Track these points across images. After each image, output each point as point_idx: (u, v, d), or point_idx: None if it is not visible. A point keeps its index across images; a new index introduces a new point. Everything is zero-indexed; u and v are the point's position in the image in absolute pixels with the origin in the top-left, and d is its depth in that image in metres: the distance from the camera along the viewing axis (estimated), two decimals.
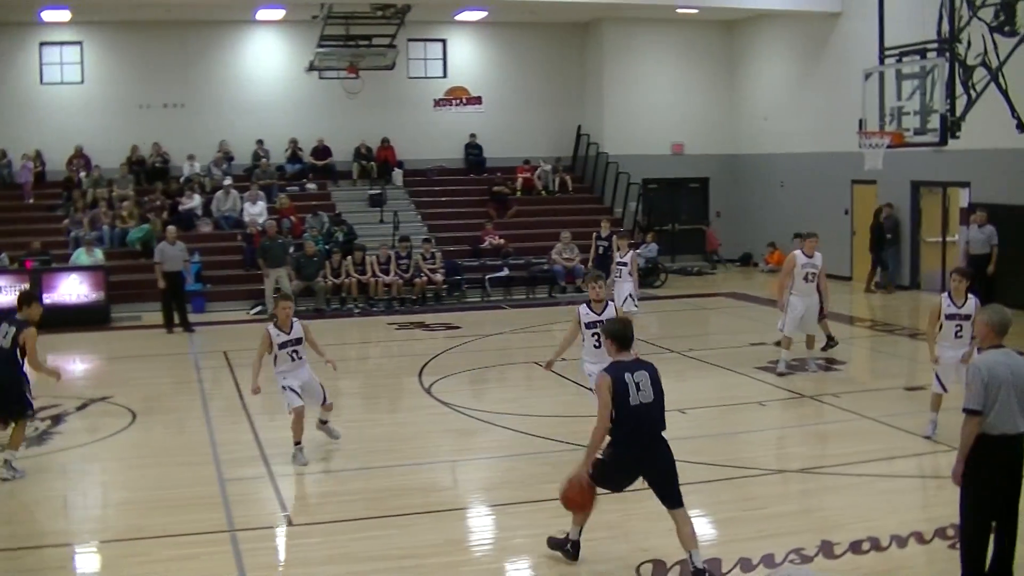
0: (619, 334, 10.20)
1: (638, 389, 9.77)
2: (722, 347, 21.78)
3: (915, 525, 11.12)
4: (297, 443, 14.34)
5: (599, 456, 9.99)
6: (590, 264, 27.52)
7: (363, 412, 17.91)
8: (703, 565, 9.81)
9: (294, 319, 14.67)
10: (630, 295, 22.28)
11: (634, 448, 9.88)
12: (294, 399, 14.39)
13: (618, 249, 23.11)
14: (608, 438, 9.89)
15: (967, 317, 14.06)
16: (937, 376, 14.43)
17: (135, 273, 28.40)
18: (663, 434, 10.00)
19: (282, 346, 14.44)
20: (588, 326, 14.08)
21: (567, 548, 10.41)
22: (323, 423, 15.12)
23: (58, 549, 11.24)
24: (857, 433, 15.27)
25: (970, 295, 14.22)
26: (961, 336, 14.20)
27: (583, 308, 14.21)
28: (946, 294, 14.44)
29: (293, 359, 14.54)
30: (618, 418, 9.76)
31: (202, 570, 10.52)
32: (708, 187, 38.97)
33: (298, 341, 14.56)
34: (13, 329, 14.17)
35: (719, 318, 26.50)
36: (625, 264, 22.66)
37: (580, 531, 10.40)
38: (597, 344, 13.74)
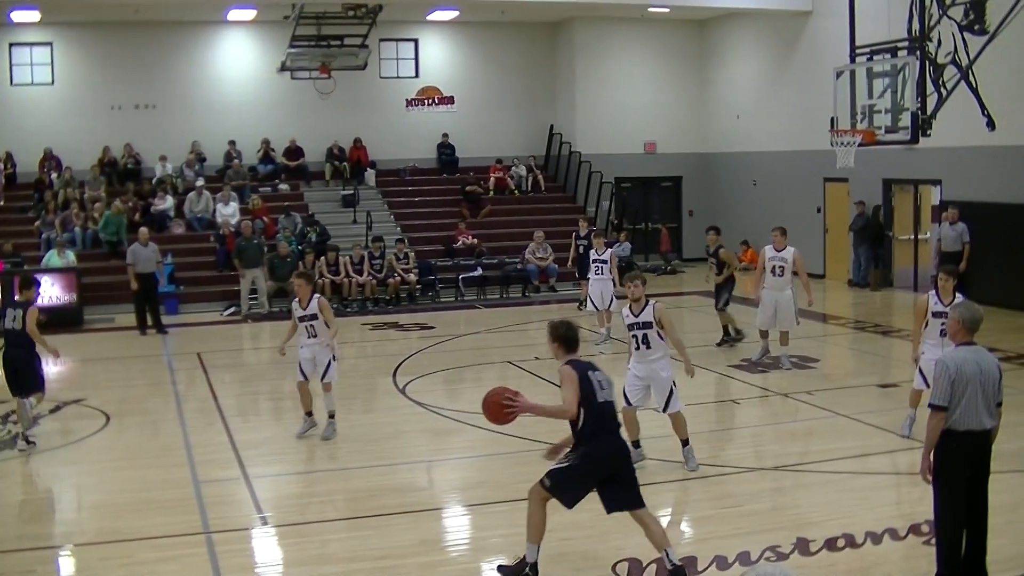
0: (564, 336, 10.12)
1: (601, 387, 9.80)
2: (696, 345, 21.70)
3: (890, 522, 11.16)
4: (307, 413, 15.62)
5: (566, 463, 9.87)
6: (569, 263, 27.58)
7: (338, 413, 17.83)
8: (679, 562, 9.82)
9: (316, 296, 15.63)
10: (613, 296, 22.43)
11: (606, 442, 9.84)
12: (298, 373, 15.69)
13: (596, 248, 23.22)
14: (575, 441, 9.86)
15: None
16: (920, 371, 14.25)
17: (107, 275, 28.32)
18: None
19: (300, 320, 15.58)
20: (628, 328, 13.66)
21: (526, 573, 9.94)
22: (329, 416, 15.61)
23: (34, 552, 11.18)
24: (831, 430, 15.32)
25: (957, 293, 14.14)
26: (947, 334, 14.15)
27: (624, 310, 13.90)
28: (933, 292, 14.37)
29: (308, 334, 15.53)
30: (587, 415, 9.70)
31: (179, 572, 10.50)
32: (681, 186, 39.07)
33: (313, 317, 15.43)
34: (20, 311, 15.48)
35: (692, 317, 26.52)
36: (605, 261, 22.75)
37: (538, 551, 9.99)
38: (637, 346, 13.57)
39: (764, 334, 20.15)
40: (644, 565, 10.23)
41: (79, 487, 14.01)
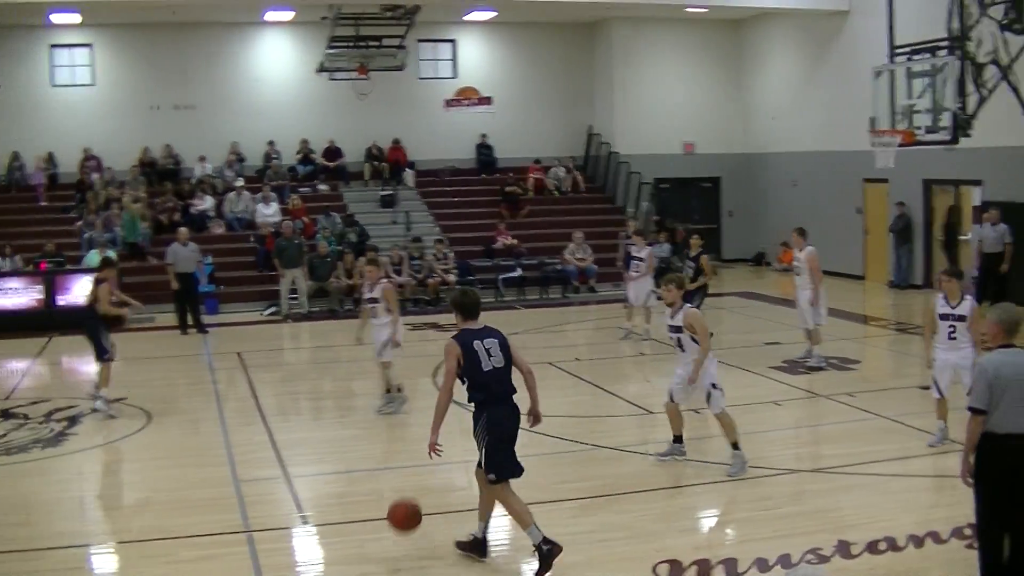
0: (458, 303, 10.49)
1: (489, 355, 10.12)
2: (736, 346, 21.73)
3: (932, 525, 11.08)
4: (387, 391, 17.10)
5: (482, 448, 10.28)
6: (619, 263, 27.49)
7: (377, 413, 17.90)
8: (485, 535, 10.57)
9: (381, 281, 17.01)
10: (650, 293, 22.46)
11: (501, 404, 10.25)
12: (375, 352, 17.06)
13: (636, 246, 23.26)
14: (473, 413, 10.34)
15: (961, 318, 13.74)
16: (934, 380, 14.13)
17: (148, 275, 28.41)
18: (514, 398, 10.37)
19: (366, 302, 17.03)
20: (668, 329, 13.81)
21: (545, 550, 10.14)
22: (386, 391, 17.16)
23: (77, 550, 11.26)
24: (873, 432, 15.21)
25: (967, 296, 13.96)
26: (955, 337, 13.83)
27: (665, 312, 13.98)
28: (941, 295, 14.12)
29: (372, 315, 16.86)
30: (474, 384, 10.16)
31: (220, 571, 10.54)
32: (720, 186, 38.96)
33: (375, 300, 16.76)
34: (91, 285, 18.09)
35: (732, 318, 26.44)
36: (642, 259, 22.75)
37: (486, 528, 10.62)
38: (675, 348, 13.73)
39: (806, 334, 20.16)
40: (684, 567, 10.19)
41: (121, 485, 14.12)
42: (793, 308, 20.63)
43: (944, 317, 13.88)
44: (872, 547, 10.56)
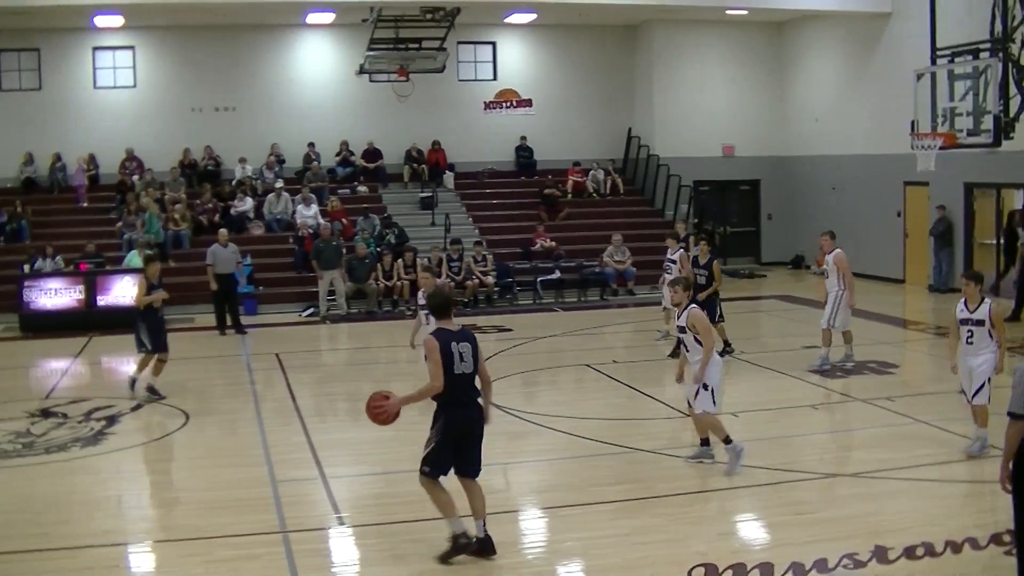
0: (430, 303, 11.04)
1: (461, 359, 10.49)
2: (774, 350, 21.68)
3: (970, 531, 11.00)
4: None
5: (432, 445, 10.63)
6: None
7: (416, 414, 17.83)
8: (486, 533, 10.63)
9: (437, 283, 17.87)
10: None
11: (460, 408, 10.60)
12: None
13: (669, 248, 23.19)
14: (435, 410, 10.70)
15: (980, 323, 13.60)
16: (961, 386, 14.02)
17: (187, 275, 28.53)
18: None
19: (421, 308, 17.63)
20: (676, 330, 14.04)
21: (463, 542, 10.65)
22: None
23: (117, 548, 11.33)
24: (911, 437, 15.11)
25: (986, 300, 13.81)
26: (972, 342, 13.70)
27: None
28: (962, 300, 13.98)
29: (427, 321, 16.75)
30: (445, 384, 10.46)
31: (257, 570, 10.58)
32: (759, 189, 38.83)
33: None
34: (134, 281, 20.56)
35: (770, 321, 26.37)
36: (675, 262, 22.70)
37: (460, 520, 10.75)
38: (685, 349, 13.90)
39: (843, 336, 20.08)
40: (720, 571, 10.16)
41: (159, 484, 14.19)
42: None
43: (963, 322, 13.79)
44: (910, 552, 10.50)
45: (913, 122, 26.57)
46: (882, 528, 11.25)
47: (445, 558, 10.58)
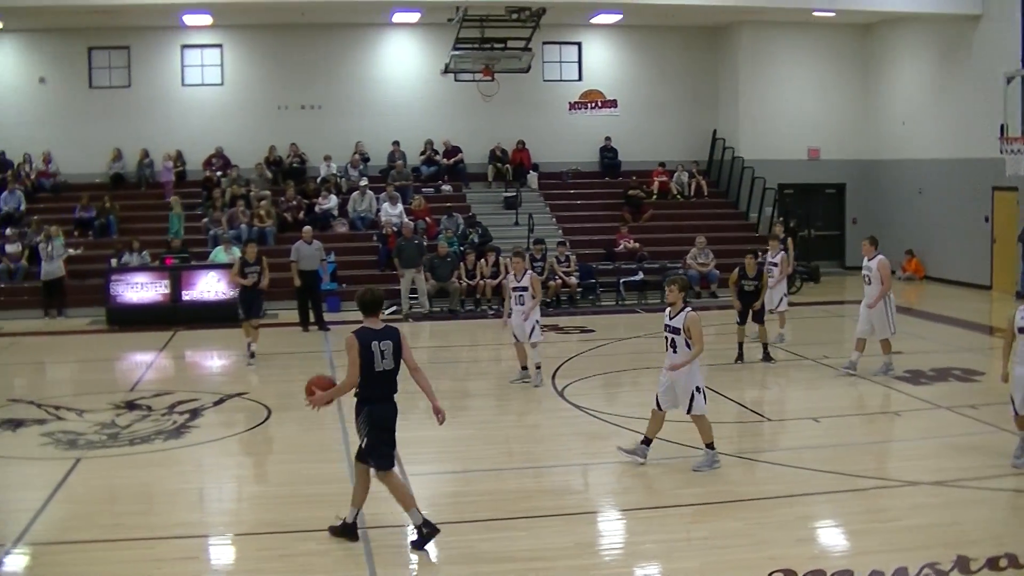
0: (360, 300, 11.39)
1: (382, 357, 10.94)
2: (838, 356, 21.44)
3: None
4: (522, 367, 19.62)
5: (364, 439, 11.11)
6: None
7: (495, 414, 17.91)
8: (423, 519, 10.99)
9: (527, 272, 19.37)
10: (784, 297, 22.46)
11: (380, 404, 11.06)
12: (511, 337, 19.66)
13: (771, 250, 23.13)
14: (356, 407, 11.10)
15: None
16: (1011, 396, 13.62)
17: (271, 272, 28.68)
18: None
19: (513, 290, 19.32)
20: (664, 329, 14.00)
21: (346, 531, 11.22)
22: (536, 367, 19.46)
23: (195, 540, 11.44)
24: (995, 446, 14.78)
25: None
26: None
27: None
28: (1021, 307, 13.57)
29: (517, 302, 19.18)
30: (365, 380, 10.92)
31: (334, 566, 10.62)
32: (844, 193, 38.47)
33: (524, 289, 19.12)
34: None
35: (854, 325, 26.06)
36: (776, 264, 22.59)
37: (357, 513, 11.29)
38: (666, 348, 13.96)
39: (857, 343, 19.93)
40: None
41: (240, 478, 14.28)
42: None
43: (1022, 330, 13.41)
44: (992, 563, 10.30)
45: (1003, 126, 26.26)
46: (964, 538, 11.05)
47: (417, 545, 11.01)
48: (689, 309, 13.61)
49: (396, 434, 11.19)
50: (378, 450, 11.00)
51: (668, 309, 13.85)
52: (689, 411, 13.62)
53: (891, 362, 19.65)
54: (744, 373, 20.66)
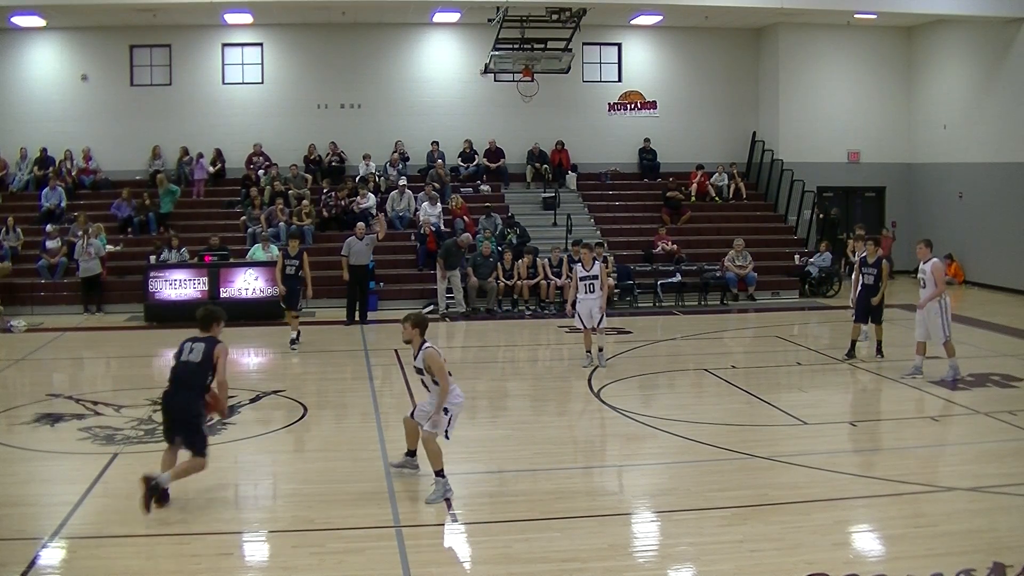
0: (198, 316, 12.62)
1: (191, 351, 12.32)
2: (894, 360, 21.30)
3: None
4: (587, 351, 21.17)
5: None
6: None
7: (531, 414, 17.89)
8: (158, 479, 11.92)
9: (597, 262, 21.02)
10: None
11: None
12: (578, 323, 21.14)
13: (853, 250, 23.07)
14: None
15: None
16: None
17: (312, 270, 28.74)
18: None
19: (581, 279, 20.83)
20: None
21: (153, 485, 11.86)
22: (599, 350, 21.06)
23: (231, 536, 11.49)
24: None
25: None
26: None
27: None
28: None
29: (587, 290, 20.79)
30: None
31: (368, 564, 10.60)
32: (884, 196, 38.28)
33: (594, 277, 20.76)
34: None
35: (893, 330, 25.91)
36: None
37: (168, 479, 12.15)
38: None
39: (918, 347, 19.87)
40: None
41: (275, 475, 14.29)
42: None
43: None
44: None
45: None
46: (1000, 544, 10.97)
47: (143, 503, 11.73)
48: (428, 345, 12.83)
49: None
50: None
51: (411, 348, 13.09)
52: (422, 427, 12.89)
53: (957, 366, 19.51)
54: (782, 376, 20.60)
